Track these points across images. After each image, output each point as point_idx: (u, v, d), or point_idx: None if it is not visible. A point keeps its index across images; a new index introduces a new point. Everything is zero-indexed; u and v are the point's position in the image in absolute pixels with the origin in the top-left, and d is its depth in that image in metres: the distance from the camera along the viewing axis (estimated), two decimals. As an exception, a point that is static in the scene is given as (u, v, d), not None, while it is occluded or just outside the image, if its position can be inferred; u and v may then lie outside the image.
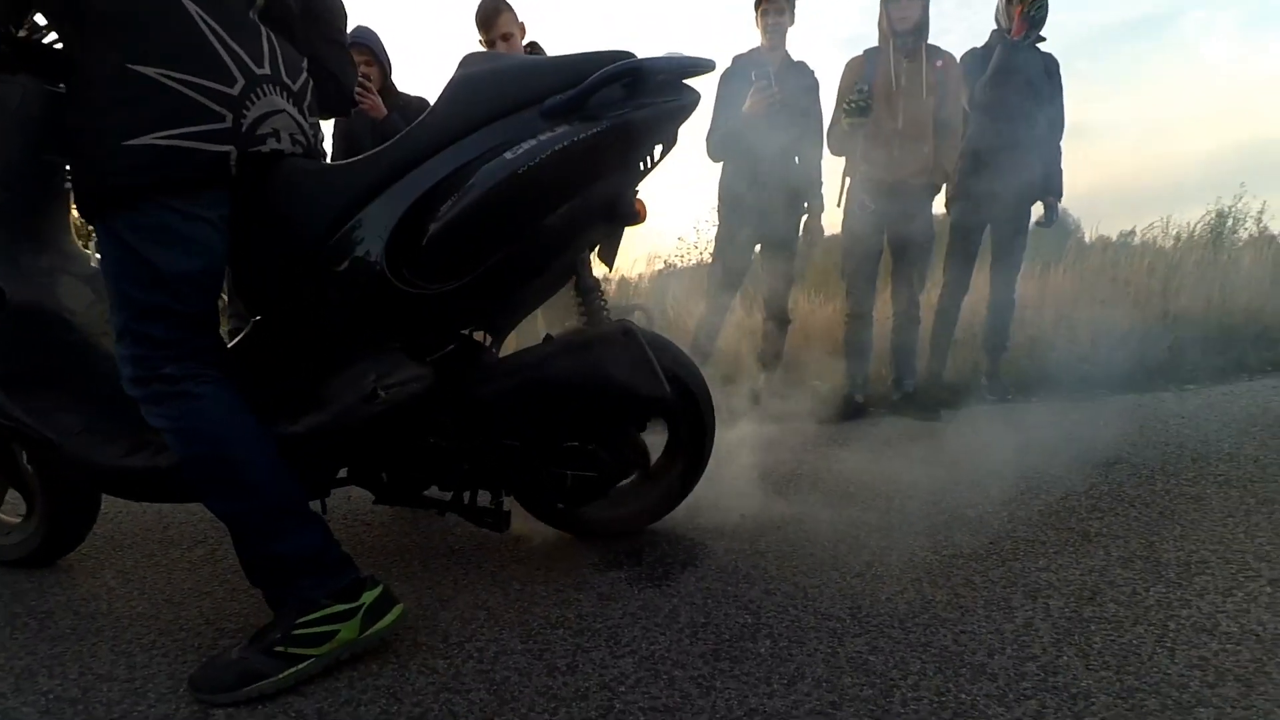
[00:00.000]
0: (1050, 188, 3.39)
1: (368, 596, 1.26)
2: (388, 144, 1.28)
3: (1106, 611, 1.39)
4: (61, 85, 1.34)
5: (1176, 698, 1.11)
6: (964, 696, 1.13)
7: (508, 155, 1.23)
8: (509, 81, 1.30)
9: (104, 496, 1.81)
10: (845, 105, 3.09)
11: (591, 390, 1.45)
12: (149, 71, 1.11)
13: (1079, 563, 1.61)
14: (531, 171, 1.22)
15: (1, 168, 1.46)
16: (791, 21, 3.23)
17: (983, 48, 3.31)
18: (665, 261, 5.47)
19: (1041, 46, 3.28)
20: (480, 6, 2.85)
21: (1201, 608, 1.40)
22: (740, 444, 2.47)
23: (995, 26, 3.31)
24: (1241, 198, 6.39)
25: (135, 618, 1.52)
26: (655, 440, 1.72)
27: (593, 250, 1.51)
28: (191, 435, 1.20)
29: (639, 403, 1.48)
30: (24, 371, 1.49)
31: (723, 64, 3.34)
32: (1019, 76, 3.18)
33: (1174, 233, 6.23)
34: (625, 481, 1.66)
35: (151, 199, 1.15)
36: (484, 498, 1.65)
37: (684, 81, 1.37)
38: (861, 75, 3.16)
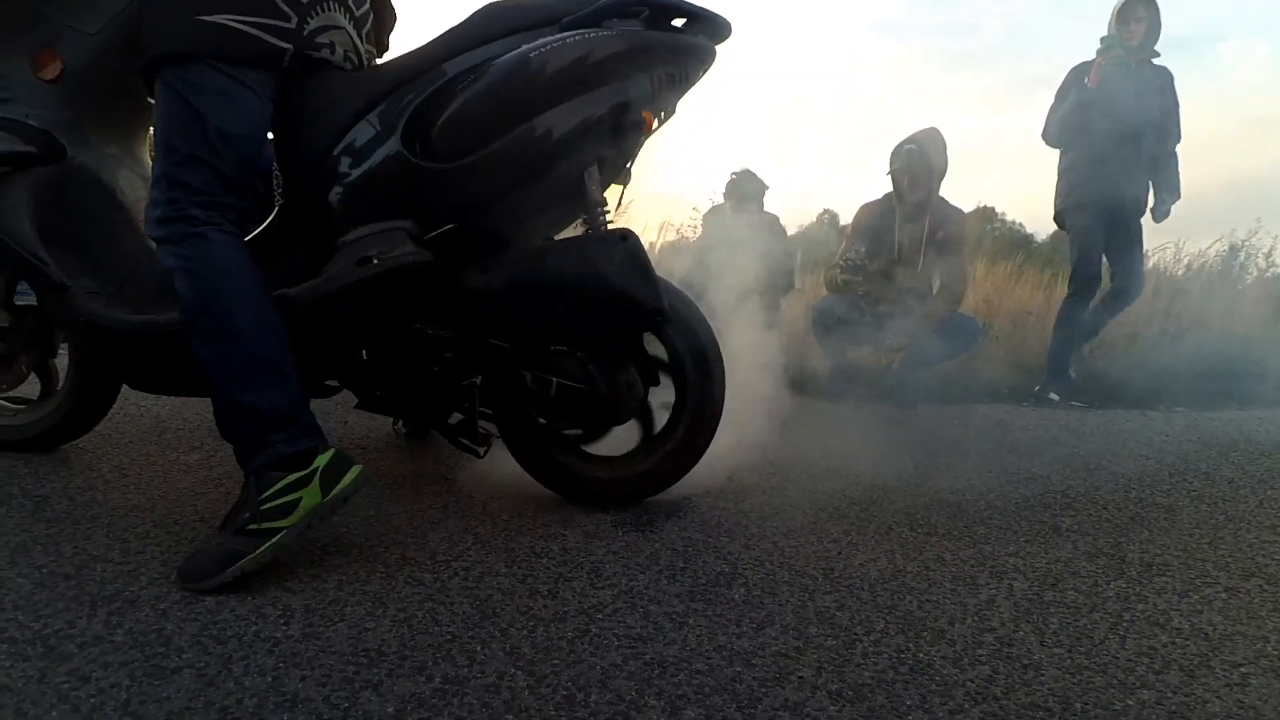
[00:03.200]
0: (1168, 186, 3.65)
1: (320, 460, 1.30)
2: (414, 49, 1.40)
3: (1066, 598, 1.44)
4: None
5: (1122, 679, 1.17)
6: (921, 656, 1.18)
7: (524, 46, 1.35)
8: (531, 7, 1.43)
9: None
10: (840, 263, 3.52)
11: (583, 286, 1.45)
12: None
13: (1046, 552, 1.67)
14: (544, 56, 1.34)
15: (92, 59, 1.53)
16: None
17: (1087, 64, 3.56)
18: (678, 231, 5.47)
19: (1155, 61, 3.56)
20: None
21: (1157, 604, 1.45)
22: (737, 415, 2.51)
23: (1102, 40, 3.51)
24: (1256, 232, 6.39)
25: (130, 509, 1.56)
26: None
27: (600, 167, 1.51)
28: (199, 278, 1.29)
29: (632, 307, 1.46)
30: (61, 228, 1.56)
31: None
32: (1103, 108, 3.46)
33: (1185, 261, 6.26)
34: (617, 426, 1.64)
35: (207, 62, 1.28)
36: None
37: (702, 35, 1.49)
38: (868, 228, 3.59)
